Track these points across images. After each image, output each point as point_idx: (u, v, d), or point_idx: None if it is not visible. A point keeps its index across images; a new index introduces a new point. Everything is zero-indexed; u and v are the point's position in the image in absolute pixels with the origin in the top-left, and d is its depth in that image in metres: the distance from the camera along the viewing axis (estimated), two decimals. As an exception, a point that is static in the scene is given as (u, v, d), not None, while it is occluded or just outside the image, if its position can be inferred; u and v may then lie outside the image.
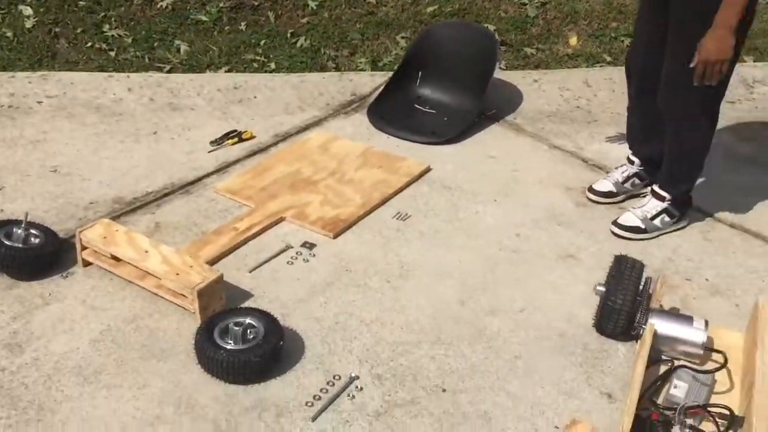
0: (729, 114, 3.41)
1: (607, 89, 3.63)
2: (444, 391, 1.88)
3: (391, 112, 3.32)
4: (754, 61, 3.89)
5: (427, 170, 2.91)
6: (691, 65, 2.17)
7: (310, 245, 2.42)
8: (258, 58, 3.80)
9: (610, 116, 3.40)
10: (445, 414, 1.81)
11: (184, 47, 3.78)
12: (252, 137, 3.10)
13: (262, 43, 3.91)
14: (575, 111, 3.46)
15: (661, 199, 2.52)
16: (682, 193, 2.53)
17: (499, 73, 3.69)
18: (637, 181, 2.72)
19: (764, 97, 3.57)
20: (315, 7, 4.18)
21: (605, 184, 2.71)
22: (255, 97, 3.43)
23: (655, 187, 2.55)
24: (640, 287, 1.99)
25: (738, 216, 2.67)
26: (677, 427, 1.67)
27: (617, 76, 3.76)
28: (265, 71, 3.71)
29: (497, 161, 3.01)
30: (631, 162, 2.73)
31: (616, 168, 2.76)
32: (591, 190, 2.73)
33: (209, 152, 2.97)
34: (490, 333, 2.08)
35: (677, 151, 2.47)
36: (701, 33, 2.13)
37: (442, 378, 1.92)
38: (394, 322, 2.11)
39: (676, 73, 2.29)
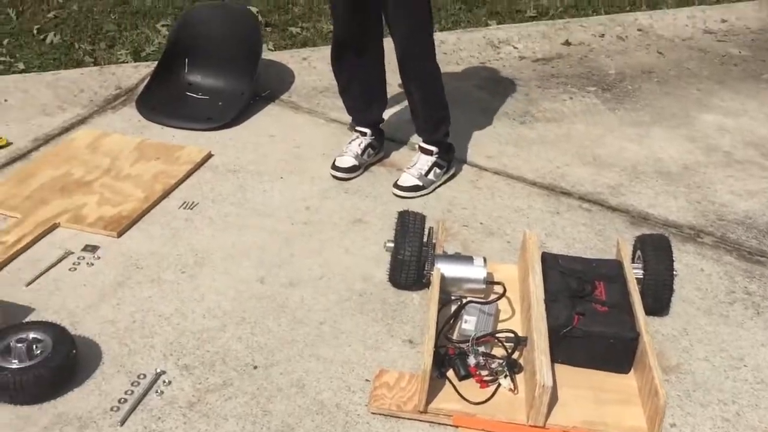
0: (480, 73, 3.72)
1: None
2: (255, 368, 1.88)
3: (163, 101, 3.21)
4: (498, 23, 4.26)
5: (209, 156, 2.86)
6: None
7: (92, 248, 2.28)
8: (3, 59, 3.47)
9: (379, 85, 3.55)
10: (259, 390, 1.81)
11: None
12: (8, 144, 2.84)
13: (5, 42, 3.57)
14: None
15: (429, 153, 2.71)
16: (443, 137, 2.74)
17: (268, 54, 3.71)
18: (371, 151, 2.85)
19: (510, 56, 3.93)
20: (62, 0, 3.89)
21: (347, 160, 2.79)
22: (5, 100, 3.14)
23: (422, 144, 2.73)
24: (425, 238, 2.12)
25: (501, 163, 2.93)
26: (472, 356, 1.82)
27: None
28: (14, 72, 3.41)
29: (278, 139, 3.03)
30: (363, 133, 2.85)
31: (350, 142, 2.85)
32: (335, 167, 2.78)
33: (-41, 167, 2.68)
34: (293, 304, 2.12)
35: (429, 97, 2.67)
36: None
37: (251, 356, 1.92)
38: (195, 311, 2.07)
39: (415, 26, 2.51)
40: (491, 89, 3.57)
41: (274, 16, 4.13)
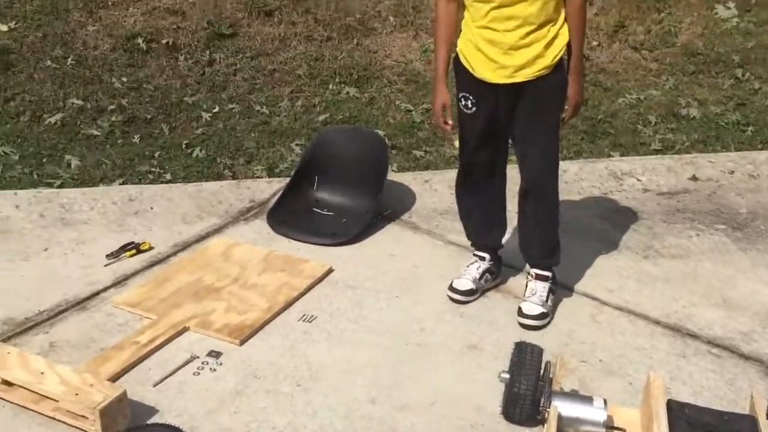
0: (601, 204, 3.70)
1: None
2: (362, 492, 1.86)
3: (291, 216, 3.38)
4: (621, 156, 4.26)
5: (330, 271, 2.96)
6: (563, 116, 2.55)
7: (216, 354, 2.38)
8: (153, 169, 3.80)
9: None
10: None
11: (75, 162, 3.74)
12: (150, 248, 3.06)
13: (157, 154, 3.92)
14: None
15: (545, 279, 2.70)
16: (557, 263, 2.74)
17: (392, 175, 3.86)
18: (488, 276, 2.84)
19: (633, 188, 3.89)
20: (209, 119, 4.26)
21: (465, 283, 2.79)
22: (151, 208, 3.41)
23: (537, 271, 2.72)
24: (541, 372, 2.07)
25: (622, 298, 2.85)
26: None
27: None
28: (161, 182, 3.71)
29: (397, 259, 3.10)
30: (482, 258, 2.86)
31: (468, 265, 2.86)
32: (453, 289, 2.78)
33: (105, 266, 2.91)
34: (403, 429, 2.10)
35: (548, 223, 2.70)
36: (559, 106, 2.53)
37: (359, 479, 1.90)
38: (307, 426, 2.09)
39: (544, 152, 2.59)
40: (613, 221, 3.53)
41: (399, 139, 4.32)
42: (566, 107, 2.55)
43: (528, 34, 2.44)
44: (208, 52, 4.65)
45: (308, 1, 5.17)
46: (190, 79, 4.49)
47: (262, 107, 4.42)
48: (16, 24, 4.34)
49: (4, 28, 4.29)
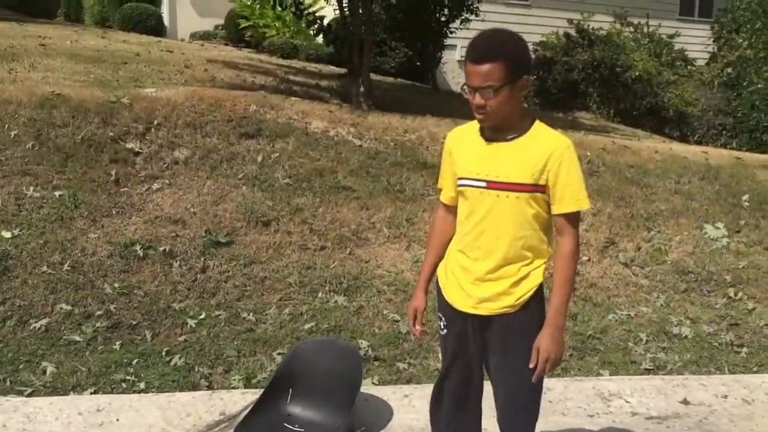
0: (586, 428, 3.54)
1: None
2: None
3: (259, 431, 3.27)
4: (609, 374, 4.14)
5: (288, 497, 2.79)
6: (531, 365, 2.33)
7: None
8: (128, 377, 3.75)
9: None
10: None
11: (50, 369, 3.71)
12: (105, 465, 2.94)
13: (135, 362, 3.90)
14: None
15: None
16: None
17: (371, 389, 3.77)
18: None
19: (621, 410, 3.74)
20: (194, 325, 4.28)
21: None
22: (117, 419, 3.32)
23: None
24: None
25: None
26: None
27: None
28: (134, 391, 3.65)
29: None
30: None
31: None
32: None
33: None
34: None
35: None
36: (527, 352, 2.33)
37: None
38: None
39: (520, 390, 2.44)
40: (597, 447, 3.36)
41: (384, 350, 4.27)
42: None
43: (497, 268, 2.39)
44: (202, 259, 4.78)
45: (305, 211, 5.39)
46: (181, 285, 4.57)
47: (249, 314, 4.45)
48: (19, 231, 4.54)
49: (8, 234, 4.48)
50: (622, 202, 6.19)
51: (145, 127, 5.67)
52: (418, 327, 2.62)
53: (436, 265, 2.61)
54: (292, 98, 7.20)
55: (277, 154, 5.85)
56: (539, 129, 2.39)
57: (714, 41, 14.20)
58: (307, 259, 5.04)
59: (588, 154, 6.87)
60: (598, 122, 12.77)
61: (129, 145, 5.45)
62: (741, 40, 12.74)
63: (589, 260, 5.43)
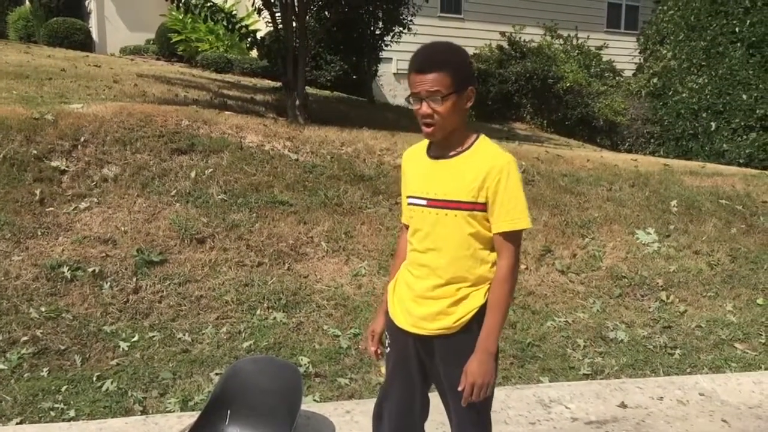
0: (529, 436, 3.55)
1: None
2: None
3: (196, 456, 3.16)
4: (549, 381, 4.18)
5: None
6: (459, 388, 2.29)
7: None
8: (57, 405, 3.58)
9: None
10: None
11: (-29, 400, 3.52)
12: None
13: (64, 389, 3.72)
14: None
15: None
16: None
17: (312, 405, 3.70)
18: None
19: (561, 416, 3.77)
20: (126, 348, 4.12)
21: None
22: (45, 450, 3.16)
23: None
24: None
25: None
26: None
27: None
28: (63, 419, 3.49)
29: (304, 506, 2.86)
30: None
31: None
32: None
33: None
34: None
35: None
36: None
37: None
38: None
39: (466, 414, 2.40)
40: (539, 454, 3.37)
41: (325, 366, 4.20)
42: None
43: (436, 287, 2.35)
44: (134, 279, 4.63)
45: (241, 227, 5.29)
46: (113, 307, 4.41)
47: (184, 335, 4.32)
48: (-64, 254, 4.31)
49: (-77, 258, 4.25)
50: (557, 210, 6.29)
51: (71, 144, 5.47)
52: (372, 349, 2.58)
53: None
54: (226, 113, 7.07)
55: (211, 170, 5.73)
56: (481, 145, 2.35)
57: (640, 53, 14.70)
58: (245, 275, 4.94)
59: (523, 163, 6.97)
60: (533, 132, 13.03)
61: (54, 163, 5.25)
62: (665, 51, 13.21)
63: (527, 268, 5.49)
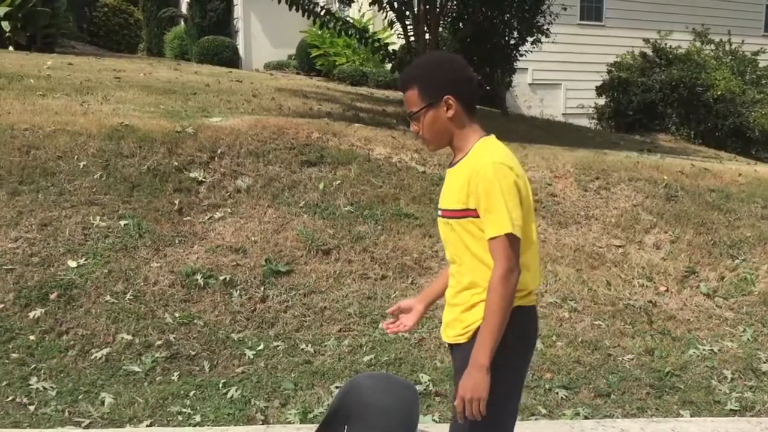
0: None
1: (541, 446, 3.51)
2: None
3: (312, 471, 3.14)
4: (690, 415, 3.83)
5: None
6: (455, 403, 2.20)
7: None
8: (184, 410, 3.70)
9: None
10: None
11: (108, 400, 3.70)
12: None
13: (192, 394, 3.85)
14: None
15: None
16: None
17: (430, 426, 3.60)
18: None
19: (703, 456, 3.44)
20: (252, 356, 4.21)
21: None
22: (169, 454, 3.26)
23: None
24: None
25: None
26: None
27: (552, 429, 3.68)
28: (189, 424, 3.59)
29: None
30: None
31: None
32: None
33: None
34: None
35: None
36: None
37: None
38: None
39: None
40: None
41: (445, 385, 4.09)
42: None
43: (457, 292, 2.33)
44: (262, 288, 4.73)
45: (366, 240, 5.29)
46: (241, 315, 4.52)
47: (307, 345, 4.35)
48: (85, 260, 4.60)
49: (73, 264, 4.55)
50: (703, 229, 5.83)
51: (209, 156, 5.71)
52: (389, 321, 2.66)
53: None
54: (356, 125, 7.14)
55: (339, 182, 5.78)
56: (475, 148, 2.30)
57: (802, 58, 13.48)
58: (368, 288, 4.92)
59: (665, 177, 6.53)
60: (678, 144, 12.25)
61: (193, 174, 5.49)
62: (832, 55, 12.01)
63: (667, 290, 5.11)
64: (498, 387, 2.17)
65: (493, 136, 2.35)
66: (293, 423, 3.68)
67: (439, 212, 2.36)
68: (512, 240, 2.16)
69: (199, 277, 4.68)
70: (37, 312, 4.19)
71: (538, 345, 4.45)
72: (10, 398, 3.65)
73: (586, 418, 3.83)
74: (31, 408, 3.60)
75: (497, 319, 2.14)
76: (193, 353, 4.18)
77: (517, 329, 2.21)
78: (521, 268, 2.19)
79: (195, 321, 4.41)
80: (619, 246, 5.51)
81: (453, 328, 2.32)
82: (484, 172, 2.17)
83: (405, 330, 2.63)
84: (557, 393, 4.06)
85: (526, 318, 2.29)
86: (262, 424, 3.66)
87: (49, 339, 4.08)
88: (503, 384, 2.21)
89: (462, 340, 2.28)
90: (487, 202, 2.17)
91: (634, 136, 11.84)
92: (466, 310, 2.27)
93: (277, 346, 4.33)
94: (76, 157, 5.32)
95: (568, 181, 6.12)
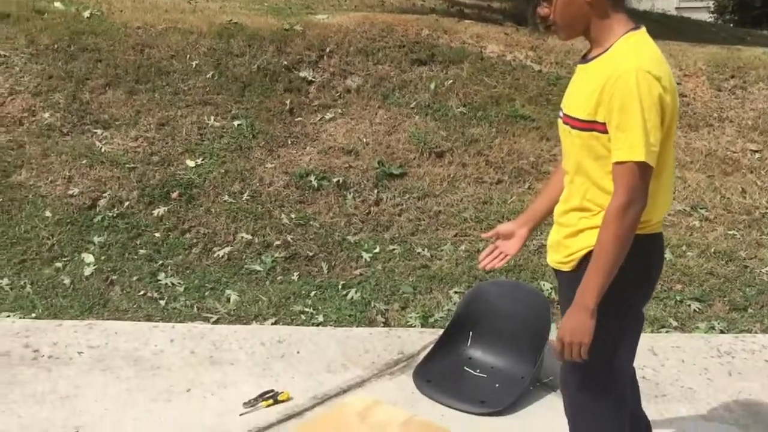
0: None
1: (675, 358, 3.37)
2: None
3: (439, 375, 3.13)
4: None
5: (473, 449, 2.64)
6: (553, 342, 1.96)
7: None
8: (306, 309, 3.74)
9: (681, 390, 3.11)
10: None
11: (234, 297, 3.78)
12: (289, 399, 2.93)
13: (312, 294, 3.88)
14: (640, 382, 3.17)
15: None
16: None
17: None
18: None
19: None
20: (369, 259, 4.18)
21: None
22: (298, 352, 3.31)
23: None
24: None
25: None
26: None
27: (686, 343, 3.53)
28: (312, 324, 3.64)
29: (551, 441, 2.71)
30: None
31: None
32: None
33: (241, 415, 2.80)
34: None
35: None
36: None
37: None
38: None
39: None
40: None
41: (568, 294, 3.96)
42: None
43: (565, 212, 2.00)
44: (375, 191, 4.67)
45: (480, 142, 5.10)
46: (356, 218, 4.49)
47: (423, 250, 4.29)
48: (202, 160, 4.63)
49: (192, 163, 4.58)
50: None
51: (317, 55, 5.57)
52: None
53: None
54: (466, 21, 6.80)
55: (451, 81, 5.55)
56: (618, 46, 1.88)
57: None
58: (483, 193, 4.78)
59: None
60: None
61: (302, 74, 5.38)
62: None
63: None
64: (609, 325, 1.89)
65: (643, 30, 1.94)
66: (415, 327, 3.66)
67: (561, 114, 2.00)
68: (642, 169, 1.80)
69: (312, 178, 4.65)
70: (161, 210, 4.27)
71: (667, 255, 4.24)
72: (142, 293, 3.77)
73: (722, 332, 3.64)
74: (162, 302, 3.71)
75: (609, 258, 1.83)
76: (310, 254, 4.19)
77: (636, 258, 1.88)
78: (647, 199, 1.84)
79: (311, 222, 4.41)
80: (756, 151, 5.11)
81: (557, 252, 2.03)
82: (625, 80, 1.78)
83: (505, 261, 2.33)
84: (689, 305, 3.88)
85: (647, 247, 1.95)
86: (384, 326, 3.66)
87: (174, 236, 4.17)
88: (615, 322, 1.93)
89: (565, 268, 2.00)
90: (621, 118, 1.79)
91: (762, 31, 10.88)
92: (571, 235, 1.97)
93: (394, 249, 4.29)
94: (188, 56, 5.28)
95: (699, 80, 5.68)
